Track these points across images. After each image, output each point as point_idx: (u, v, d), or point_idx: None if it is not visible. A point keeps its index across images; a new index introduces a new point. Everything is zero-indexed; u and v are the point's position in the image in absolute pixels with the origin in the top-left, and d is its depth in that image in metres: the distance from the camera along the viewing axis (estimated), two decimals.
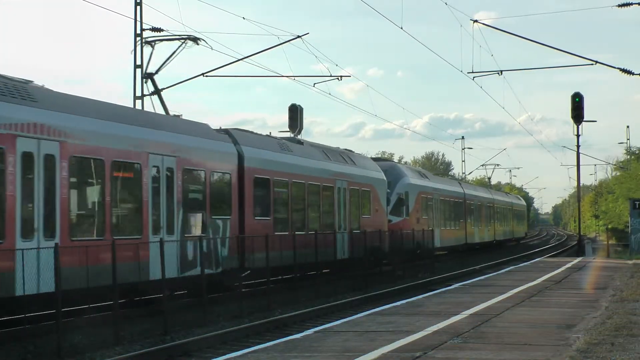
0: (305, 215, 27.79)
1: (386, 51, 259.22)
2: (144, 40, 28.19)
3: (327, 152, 30.89)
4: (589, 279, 24.11)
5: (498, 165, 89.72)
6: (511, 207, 73.80)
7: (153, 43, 25.62)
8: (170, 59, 25.27)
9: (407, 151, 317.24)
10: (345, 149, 34.67)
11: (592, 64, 36.07)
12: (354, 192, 31.86)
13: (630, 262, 34.07)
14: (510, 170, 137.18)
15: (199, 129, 22.57)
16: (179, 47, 25.39)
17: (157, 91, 25.04)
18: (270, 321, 18.47)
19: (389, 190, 36.64)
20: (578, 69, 46.48)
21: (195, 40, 25.80)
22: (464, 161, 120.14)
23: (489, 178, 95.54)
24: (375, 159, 41.77)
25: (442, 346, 10.93)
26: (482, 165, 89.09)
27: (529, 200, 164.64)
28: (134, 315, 18.46)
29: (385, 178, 35.89)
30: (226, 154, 23.13)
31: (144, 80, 26.79)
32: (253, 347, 11.72)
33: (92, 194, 18.31)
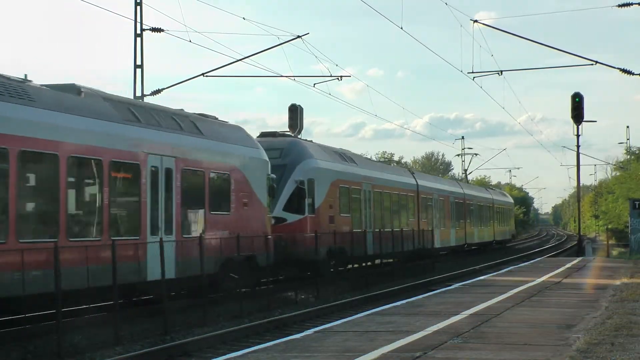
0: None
1: (386, 51, 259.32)
2: (461, 153, 55.49)
3: (134, 109, 19.81)
4: (589, 279, 24.10)
5: (477, 155, 76.38)
6: (491, 204, 62.50)
7: (462, 155, 54.27)
8: (471, 162, 39.11)
9: (407, 151, 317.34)
10: (196, 114, 23.42)
11: (592, 64, 36.13)
12: (193, 176, 21.20)
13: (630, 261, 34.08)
14: (510, 170, 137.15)
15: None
16: (472, 157, 53.96)
17: (467, 179, 65.15)
18: (270, 321, 18.47)
19: (274, 176, 25.80)
20: (578, 69, 46.54)
21: (476, 154, 57.14)
22: (463, 161, 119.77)
23: (465, 170, 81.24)
24: (267, 134, 30.63)
25: (442, 346, 10.93)
26: (458, 155, 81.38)
27: (528, 200, 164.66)
28: (134, 315, 18.46)
29: (265, 158, 25.04)
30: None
31: (464, 175, 63.39)
32: (253, 347, 11.71)
33: (195, 199, 21.03)
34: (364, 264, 33.28)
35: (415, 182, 42.23)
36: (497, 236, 63.90)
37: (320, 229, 27.84)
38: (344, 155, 33.54)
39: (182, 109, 22.94)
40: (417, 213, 41.72)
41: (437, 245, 42.76)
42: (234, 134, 24.25)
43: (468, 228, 52.80)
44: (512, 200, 79.40)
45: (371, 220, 34.37)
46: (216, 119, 24.34)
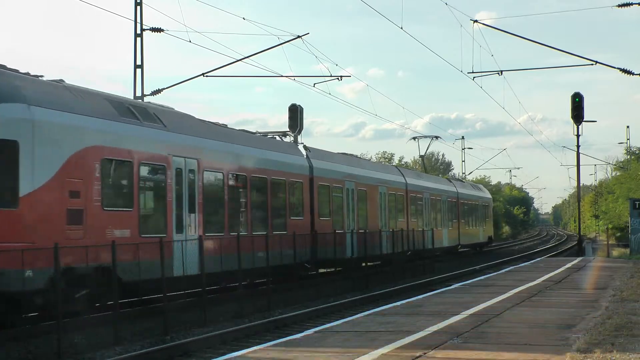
0: None
1: (387, 51, 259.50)
2: (413, 137, 48.36)
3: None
4: (589, 279, 24.11)
5: (437, 137, 53.13)
6: (455, 199, 49.86)
7: (417, 139, 52.55)
8: (427, 150, 44.37)
9: (408, 151, 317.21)
10: None
11: (592, 64, 36.15)
12: None
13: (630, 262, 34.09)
14: (510, 170, 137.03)
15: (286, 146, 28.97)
16: (431, 140, 53.74)
17: (425, 167, 53.29)
18: (270, 321, 18.47)
19: None
20: (578, 69, 46.60)
21: (437, 137, 54.71)
22: (464, 161, 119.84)
23: (422, 155, 56.43)
24: None
25: (442, 346, 10.93)
26: (413, 140, 53.79)
27: (528, 200, 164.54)
28: (134, 315, 18.46)
29: None
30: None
31: (422, 160, 52.78)
32: (253, 347, 11.71)
33: (239, 202, 23.99)
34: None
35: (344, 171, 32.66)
36: (466, 239, 51.09)
37: (27, 228, 15.70)
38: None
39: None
40: (327, 208, 31.05)
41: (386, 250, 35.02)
42: None
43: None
44: (488, 196, 63.67)
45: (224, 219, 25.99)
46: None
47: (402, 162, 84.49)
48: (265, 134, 29.21)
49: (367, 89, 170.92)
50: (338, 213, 31.74)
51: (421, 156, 55.53)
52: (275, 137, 29.94)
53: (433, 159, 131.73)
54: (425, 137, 53.42)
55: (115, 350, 14.86)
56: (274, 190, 26.18)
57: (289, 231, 26.30)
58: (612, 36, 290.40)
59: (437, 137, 53.82)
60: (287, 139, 29.66)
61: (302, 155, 29.69)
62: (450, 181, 53.41)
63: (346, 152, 36.46)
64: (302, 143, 31.16)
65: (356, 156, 38.78)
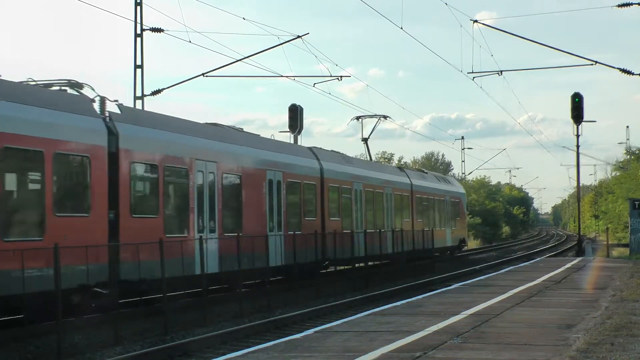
0: None
1: (387, 51, 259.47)
2: (356, 117, 38.71)
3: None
4: (589, 279, 24.11)
5: (385, 117, 41.65)
6: (409, 192, 39.88)
7: (361, 119, 40.46)
8: (374, 129, 38.71)
9: (408, 151, 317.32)
10: None
11: (592, 64, 36.18)
12: None
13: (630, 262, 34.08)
14: (510, 171, 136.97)
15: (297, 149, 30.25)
16: (377, 121, 40.86)
17: (368, 150, 40.91)
18: (270, 321, 18.47)
19: None
20: (578, 69, 46.56)
21: (385, 117, 40.63)
22: (463, 161, 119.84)
23: (365, 139, 42.96)
24: None
25: (442, 346, 10.93)
26: (356, 120, 42.22)
27: (528, 200, 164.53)
28: (134, 315, 18.47)
29: None
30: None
31: (364, 143, 40.02)
32: (253, 347, 11.71)
33: (255, 202, 24.78)
34: None
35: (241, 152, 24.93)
36: (429, 242, 39.55)
37: None
38: None
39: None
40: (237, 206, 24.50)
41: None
42: None
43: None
44: (460, 190, 52.44)
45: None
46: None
47: (402, 162, 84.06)
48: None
49: (367, 89, 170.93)
50: (347, 213, 32.27)
51: (364, 139, 40.67)
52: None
53: (433, 159, 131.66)
54: (372, 116, 40.70)
55: (115, 350, 14.86)
56: (288, 192, 27.01)
57: (303, 231, 27.25)
58: (612, 36, 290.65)
59: (385, 117, 40.92)
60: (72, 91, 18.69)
61: (313, 157, 30.13)
62: (403, 170, 41.77)
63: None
64: (315, 147, 31.64)
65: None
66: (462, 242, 51.47)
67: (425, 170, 48.64)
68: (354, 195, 33.04)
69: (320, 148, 32.00)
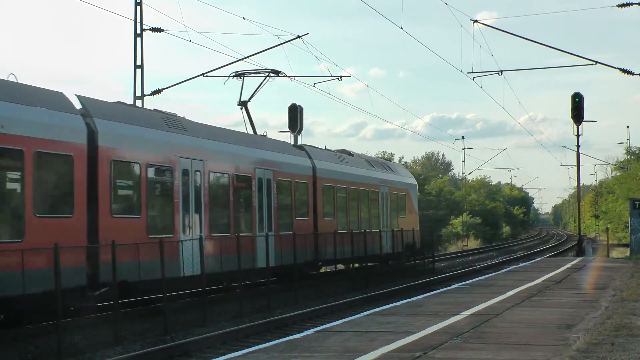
0: None
1: (387, 51, 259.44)
2: (236, 74, 30.60)
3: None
4: (589, 279, 24.11)
5: (278, 72, 30.12)
6: (310, 178, 29.17)
7: (242, 76, 30.47)
8: (259, 89, 30.62)
9: (408, 151, 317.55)
10: None
11: (592, 64, 36.16)
12: None
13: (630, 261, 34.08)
14: (510, 170, 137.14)
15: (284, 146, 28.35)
16: (265, 79, 30.56)
17: (249, 116, 30.18)
18: (270, 321, 18.48)
19: None
20: (578, 69, 46.56)
21: (277, 73, 30.72)
22: (464, 161, 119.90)
23: (243, 102, 31.00)
24: None
25: (442, 346, 10.93)
26: (236, 77, 31.57)
27: (528, 200, 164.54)
28: (134, 315, 18.47)
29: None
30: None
31: (241, 107, 30.32)
32: (253, 347, 11.71)
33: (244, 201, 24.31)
34: None
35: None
36: (330, 250, 29.23)
37: None
38: None
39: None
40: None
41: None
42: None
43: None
44: (410, 181, 41.58)
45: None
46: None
47: (402, 162, 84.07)
48: None
49: (368, 89, 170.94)
50: (342, 213, 31.75)
51: (242, 102, 29.85)
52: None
53: (433, 159, 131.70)
54: (257, 73, 30.75)
55: (115, 350, 14.86)
56: (279, 190, 26.44)
57: (295, 232, 26.44)
58: (612, 36, 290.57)
59: (277, 73, 30.54)
60: None
61: (305, 155, 29.50)
62: (302, 149, 29.92)
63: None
64: (307, 145, 30.84)
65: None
66: (412, 247, 37.98)
67: (351, 152, 35.41)
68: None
69: (313, 146, 31.42)
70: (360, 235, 30.75)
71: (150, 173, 19.78)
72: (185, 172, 21.04)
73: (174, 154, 20.65)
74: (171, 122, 21.38)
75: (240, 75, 30.50)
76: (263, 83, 30.59)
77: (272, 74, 30.60)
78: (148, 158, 19.65)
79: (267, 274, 23.01)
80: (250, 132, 29.16)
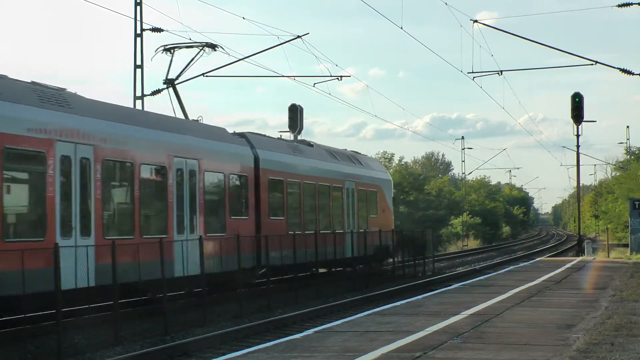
0: None
1: (387, 51, 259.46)
2: (164, 48, 25.80)
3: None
4: (589, 279, 24.12)
5: (215, 46, 24.62)
6: (249, 171, 24.98)
7: (172, 50, 25.49)
8: (190, 65, 25.92)
9: (408, 151, 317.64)
10: None
11: (592, 64, 36.12)
12: None
13: (630, 261, 34.09)
14: (510, 171, 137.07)
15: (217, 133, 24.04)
16: (198, 53, 25.70)
17: (177, 96, 25.56)
18: (270, 321, 18.48)
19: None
20: (578, 69, 46.54)
21: (212, 47, 25.91)
22: (463, 161, 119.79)
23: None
24: None
25: (442, 346, 10.93)
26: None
27: (528, 200, 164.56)
28: (134, 315, 18.47)
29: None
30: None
31: (167, 86, 25.82)
32: (253, 347, 11.72)
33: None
34: None
35: None
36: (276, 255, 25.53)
37: None
38: None
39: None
40: None
41: None
42: None
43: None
44: (383, 176, 37.75)
45: None
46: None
47: (402, 162, 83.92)
48: None
49: (368, 89, 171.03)
50: (294, 212, 27.69)
51: (169, 81, 25.98)
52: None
53: (433, 159, 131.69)
54: (189, 45, 26.33)
55: (115, 350, 14.86)
56: (208, 184, 22.19)
57: (229, 233, 22.34)
58: (612, 36, 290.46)
59: (213, 47, 26.21)
60: None
61: (246, 144, 25.06)
62: (243, 136, 25.90)
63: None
64: (252, 132, 26.70)
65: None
66: (384, 251, 34.04)
67: (312, 142, 31.72)
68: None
69: (260, 134, 27.42)
70: (322, 237, 27.61)
71: (10, 160, 15.69)
72: (64, 160, 16.84)
73: (49, 137, 16.48)
74: (49, 97, 17.14)
75: (170, 49, 25.70)
76: (196, 58, 26.02)
77: (207, 48, 26.02)
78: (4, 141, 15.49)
79: (268, 274, 22.97)
80: (181, 116, 24.82)
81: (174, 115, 24.04)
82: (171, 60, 25.51)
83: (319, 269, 28.50)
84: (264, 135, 27.82)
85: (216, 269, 21.64)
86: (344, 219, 31.43)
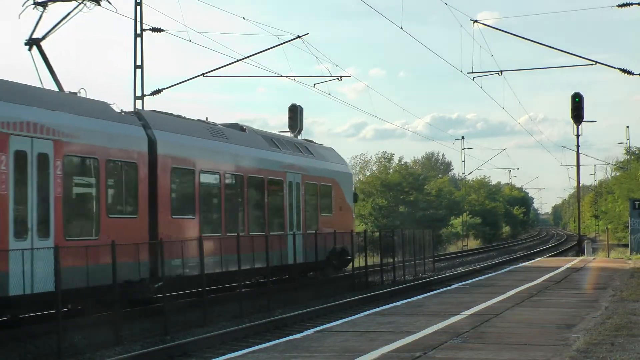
0: None
1: (388, 51, 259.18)
2: (34, 2, 20.27)
3: None
4: (589, 279, 24.12)
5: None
6: (181, 161, 21.55)
7: (45, 4, 20.16)
8: (63, 23, 20.46)
9: (408, 151, 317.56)
10: None
11: (592, 64, 36.13)
12: None
13: (630, 262, 34.08)
14: (510, 171, 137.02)
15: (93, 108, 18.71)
16: (76, 7, 20.50)
17: (45, 61, 20.03)
18: (270, 321, 18.48)
19: None
20: (578, 69, 46.51)
21: (97, 1, 20.70)
22: (463, 161, 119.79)
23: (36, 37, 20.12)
24: None
25: (442, 346, 10.94)
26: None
27: (528, 200, 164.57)
28: (134, 315, 18.47)
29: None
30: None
31: (29, 48, 20.11)
32: (253, 347, 11.72)
33: None
34: None
35: None
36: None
37: None
38: None
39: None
40: None
41: None
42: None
43: None
44: (341, 169, 32.86)
45: None
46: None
47: (402, 162, 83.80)
48: None
49: (368, 89, 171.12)
50: (211, 209, 22.72)
51: (32, 40, 20.47)
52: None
53: (433, 159, 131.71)
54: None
55: (115, 350, 14.87)
56: (67, 173, 17.18)
57: (102, 237, 17.59)
58: (612, 36, 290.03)
59: (97, 2, 21.05)
60: None
61: (137, 124, 20.06)
62: (137, 114, 21.08)
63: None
64: (150, 110, 22.38)
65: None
66: (342, 255, 30.07)
67: (244, 126, 26.71)
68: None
69: (161, 112, 22.34)
70: (249, 240, 22.74)
71: None
72: None
73: None
74: None
75: (42, 3, 20.35)
76: (72, 14, 20.69)
77: (88, 2, 20.79)
78: None
79: (267, 273, 22.95)
80: (51, 85, 19.75)
81: (40, 86, 19.03)
82: (41, 17, 20.24)
83: (244, 279, 22.27)
84: (170, 114, 22.51)
85: (78, 282, 16.49)
86: (285, 218, 26.56)
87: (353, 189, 33.25)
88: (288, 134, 33.98)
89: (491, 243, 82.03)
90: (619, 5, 33.36)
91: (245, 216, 24.17)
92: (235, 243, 21.25)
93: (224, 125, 25.11)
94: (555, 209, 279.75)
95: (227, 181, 23.52)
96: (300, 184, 27.85)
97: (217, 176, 23.01)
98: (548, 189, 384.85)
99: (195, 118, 23.92)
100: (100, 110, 18.99)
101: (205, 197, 22.34)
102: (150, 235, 19.45)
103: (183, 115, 23.11)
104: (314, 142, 32.24)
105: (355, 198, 34.05)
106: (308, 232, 27.46)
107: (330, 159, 31.79)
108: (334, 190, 30.76)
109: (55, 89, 19.61)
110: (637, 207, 40.01)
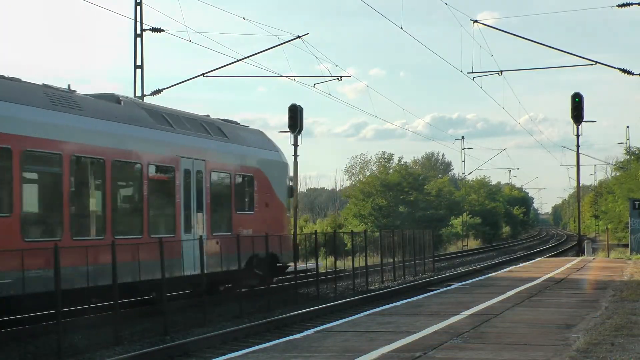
0: None
1: (388, 51, 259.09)
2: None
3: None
4: (589, 279, 24.11)
5: None
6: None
7: None
8: None
9: (408, 151, 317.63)
10: None
11: (592, 64, 36.19)
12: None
13: (630, 262, 34.09)
14: (510, 171, 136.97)
15: None
16: None
17: None
18: (270, 321, 18.48)
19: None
20: (578, 69, 46.55)
21: None
22: (463, 161, 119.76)
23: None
24: None
25: (442, 346, 10.93)
26: None
27: (528, 200, 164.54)
28: (134, 315, 18.48)
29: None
30: None
31: None
32: (253, 347, 11.72)
33: None
34: None
35: None
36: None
37: None
38: None
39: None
40: None
41: None
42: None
43: None
44: (270, 156, 26.34)
45: None
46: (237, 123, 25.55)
47: (402, 162, 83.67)
48: None
49: (368, 89, 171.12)
50: (46, 205, 17.23)
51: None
52: None
53: (433, 159, 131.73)
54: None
55: (115, 350, 14.87)
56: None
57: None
58: (612, 36, 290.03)
59: None
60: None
61: None
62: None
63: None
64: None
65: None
66: (272, 262, 24.49)
67: (121, 97, 20.62)
68: None
69: None
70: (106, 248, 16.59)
71: None
72: None
73: None
74: None
75: None
76: None
77: None
78: None
79: (267, 272, 22.96)
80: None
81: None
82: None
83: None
84: None
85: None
86: (177, 217, 20.80)
87: (288, 181, 27.32)
88: (288, 134, 33.92)
89: (491, 243, 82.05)
90: (619, 5, 33.42)
91: (107, 214, 18.22)
92: (84, 251, 16.14)
93: (93, 95, 19.73)
94: (555, 209, 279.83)
95: (76, 167, 17.53)
96: (203, 172, 21.97)
97: (58, 159, 16.91)
98: (548, 189, 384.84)
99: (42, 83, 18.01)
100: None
101: (34, 188, 16.85)
102: None
103: (8, 76, 16.87)
104: (237, 123, 26.30)
105: (291, 193, 28.05)
106: (214, 234, 22.17)
107: (253, 144, 25.55)
108: (257, 182, 24.80)
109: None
110: (637, 207, 40.03)
